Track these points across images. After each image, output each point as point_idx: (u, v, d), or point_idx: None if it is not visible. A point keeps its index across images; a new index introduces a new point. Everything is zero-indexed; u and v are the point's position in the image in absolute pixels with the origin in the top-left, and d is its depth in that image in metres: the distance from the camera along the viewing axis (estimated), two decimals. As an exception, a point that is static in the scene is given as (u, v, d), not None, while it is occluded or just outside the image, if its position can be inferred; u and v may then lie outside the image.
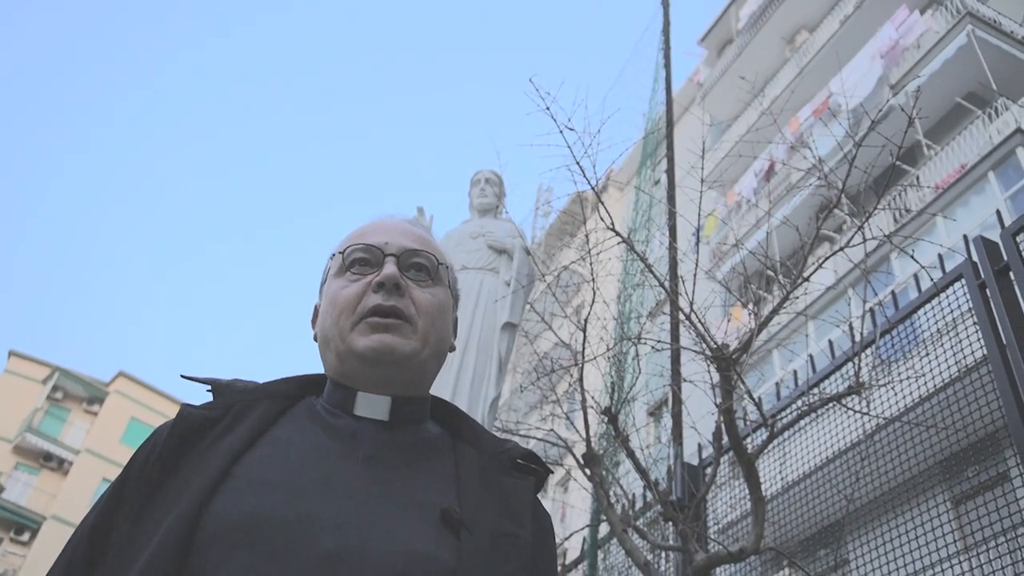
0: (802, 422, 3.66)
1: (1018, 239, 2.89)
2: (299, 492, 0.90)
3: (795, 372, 4.20)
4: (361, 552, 0.86)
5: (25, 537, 31.76)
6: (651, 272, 3.69)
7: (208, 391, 1.05)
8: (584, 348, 3.82)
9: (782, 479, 3.93)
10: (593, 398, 3.89)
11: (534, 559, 0.99)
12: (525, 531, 0.99)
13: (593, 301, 3.95)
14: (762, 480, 3.30)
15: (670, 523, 3.92)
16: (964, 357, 3.08)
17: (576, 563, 5.36)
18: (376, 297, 1.05)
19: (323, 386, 1.10)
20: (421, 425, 1.08)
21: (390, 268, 1.07)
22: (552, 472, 1.14)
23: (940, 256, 3.43)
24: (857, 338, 3.25)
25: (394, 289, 1.06)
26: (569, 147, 3.54)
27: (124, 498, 0.95)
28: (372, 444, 1.00)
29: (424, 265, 1.12)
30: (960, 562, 2.97)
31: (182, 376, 1.09)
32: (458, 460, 1.04)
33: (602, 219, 3.61)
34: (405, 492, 0.95)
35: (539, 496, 1.11)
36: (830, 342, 3.94)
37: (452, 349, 1.17)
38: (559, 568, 5.52)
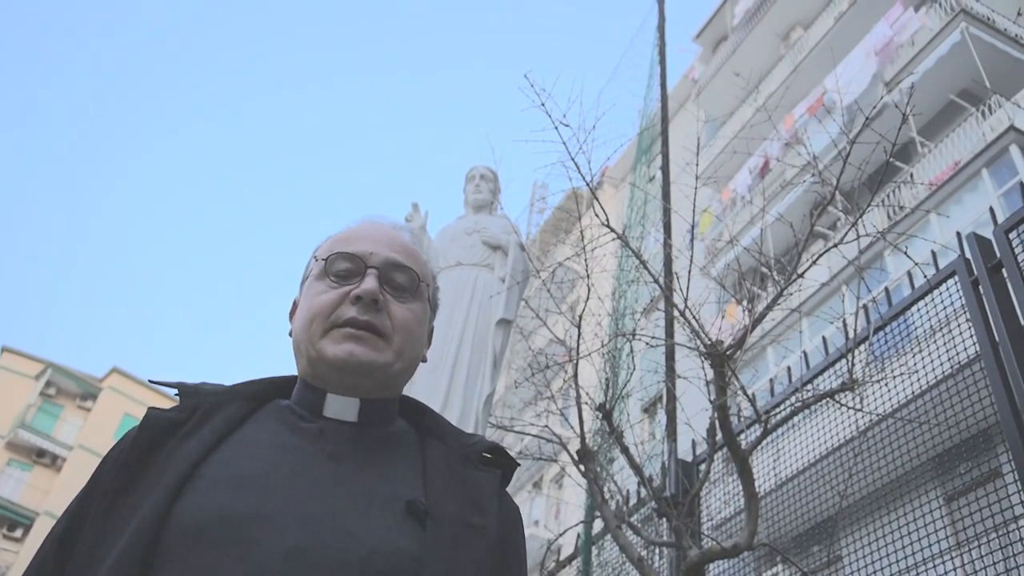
0: (796, 418, 3.67)
1: (1011, 236, 2.89)
2: (264, 489, 0.91)
3: (789, 369, 4.21)
4: (326, 545, 0.87)
5: (18, 534, 31.71)
6: (646, 268, 3.70)
7: (175, 394, 1.05)
8: (579, 344, 3.83)
9: (776, 475, 3.94)
10: (588, 394, 3.89)
11: (501, 550, 1.00)
12: (491, 522, 1.00)
13: (588, 297, 3.96)
14: (756, 476, 3.31)
15: (664, 519, 3.93)
16: (957, 354, 3.08)
17: (570, 559, 5.37)
18: (352, 309, 1.05)
19: (291, 388, 1.11)
20: (389, 423, 1.09)
21: (370, 283, 1.06)
22: (519, 464, 1.15)
23: (934, 253, 3.43)
24: (851, 335, 3.26)
25: (372, 304, 1.05)
26: (564, 143, 3.54)
27: (93, 501, 0.95)
28: (338, 440, 1.01)
29: (405, 283, 1.11)
30: (952, 558, 2.98)
31: (151, 381, 1.11)
32: (424, 454, 1.05)
33: (597, 215, 3.61)
34: (371, 486, 0.96)
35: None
36: (824, 339, 3.94)
37: (424, 360, 1.17)
38: (554, 564, 5.54)
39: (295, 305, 1.15)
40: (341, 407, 1.05)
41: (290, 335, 1.12)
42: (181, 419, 1.00)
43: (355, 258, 1.09)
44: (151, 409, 1.01)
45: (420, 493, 0.97)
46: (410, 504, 0.94)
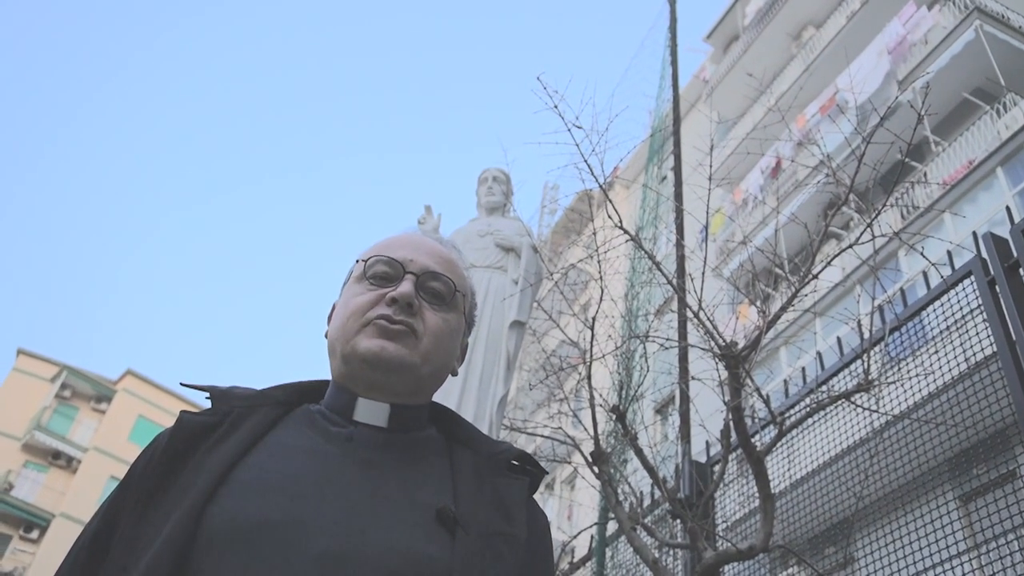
0: (811, 419, 3.66)
1: (1028, 236, 2.88)
2: (295, 495, 0.92)
3: (803, 369, 4.19)
4: (356, 552, 0.87)
5: (34, 535, 31.92)
6: (659, 270, 3.69)
7: (207, 398, 1.06)
8: (592, 346, 3.83)
9: (790, 476, 3.92)
10: (601, 396, 3.89)
11: (529, 558, 1.01)
12: (519, 531, 1.00)
13: (601, 299, 3.95)
14: (770, 477, 3.30)
15: (678, 521, 3.92)
16: (973, 354, 3.07)
17: (584, 560, 5.37)
18: (387, 310, 1.07)
19: (321, 394, 1.12)
20: (418, 430, 1.09)
21: (407, 286, 1.08)
22: (547, 473, 1.15)
23: (949, 253, 3.41)
24: (866, 335, 3.24)
25: (406, 307, 1.07)
26: (577, 145, 3.54)
27: (125, 504, 0.96)
28: (368, 447, 1.02)
29: (441, 291, 1.12)
30: (969, 560, 2.97)
31: (182, 384, 1.12)
32: (453, 461, 1.06)
33: (610, 217, 3.60)
34: (401, 492, 0.97)
35: (542, 494, 1.12)
36: (838, 339, 3.93)
37: (454, 374, 1.18)
38: (568, 566, 5.53)
39: (334, 308, 1.16)
40: (371, 412, 1.05)
41: (326, 336, 1.13)
42: (213, 423, 1.01)
43: (394, 263, 1.11)
44: (184, 413, 1.02)
45: (449, 501, 0.98)
46: (440, 512, 0.94)
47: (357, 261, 1.16)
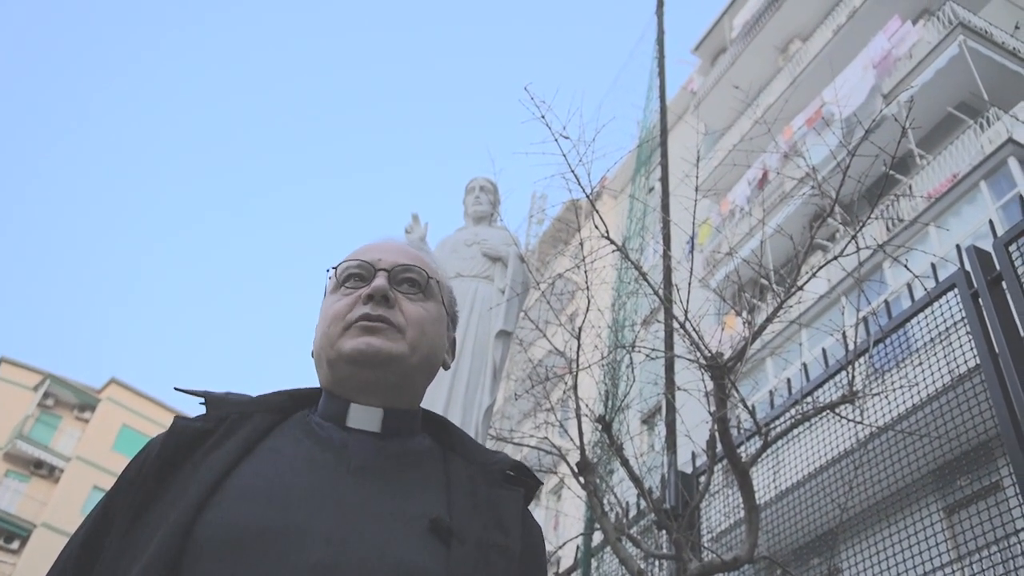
0: (796, 430, 3.67)
1: (1011, 249, 2.90)
2: (289, 503, 0.91)
3: (788, 380, 4.21)
4: (350, 563, 0.87)
5: (15, 545, 31.56)
6: (645, 280, 3.70)
7: (201, 404, 1.06)
8: (578, 356, 3.82)
9: (776, 487, 3.93)
10: (587, 406, 3.89)
11: (523, 570, 1.00)
12: (514, 542, 1.00)
13: (587, 309, 3.96)
14: (756, 488, 3.30)
15: (664, 531, 3.92)
16: (957, 366, 3.09)
17: (570, 571, 5.35)
18: (365, 308, 1.07)
19: (316, 400, 1.11)
20: (412, 437, 1.09)
21: (380, 281, 1.09)
22: (542, 483, 1.15)
23: (933, 266, 3.44)
24: (850, 347, 3.26)
25: (383, 300, 1.08)
26: (564, 155, 3.55)
27: (115, 511, 0.95)
28: (362, 455, 1.01)
29: (415, 279, 1.13)
30: (953, 571, 2.97)
31: (176, 389, 1.11)
32: (448, 471, 1.05)
33: (596, 227, 3.61)
34: (395, 502, 0.96)
35: (531, 505, 1.12)
36: (823, 350, 3.95)
37: (446, 367, 1.18)
38: (553, 577, 5.51)
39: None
40: (364, 417, 1.05)
41: (312, 355, 1.13)
42: (208, 430, 1.01)
43: (365, 265, 1.12)
44: (178, 418, 1.02)
45: (444, 511, 0.97)
46: (434, 522, 0.94)
47: (328, 271, 1.17)
